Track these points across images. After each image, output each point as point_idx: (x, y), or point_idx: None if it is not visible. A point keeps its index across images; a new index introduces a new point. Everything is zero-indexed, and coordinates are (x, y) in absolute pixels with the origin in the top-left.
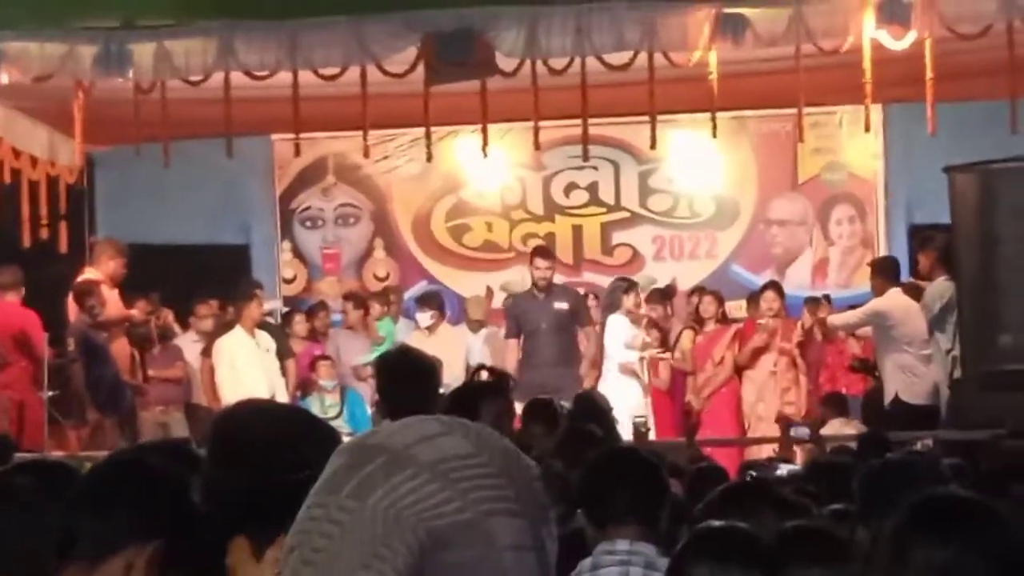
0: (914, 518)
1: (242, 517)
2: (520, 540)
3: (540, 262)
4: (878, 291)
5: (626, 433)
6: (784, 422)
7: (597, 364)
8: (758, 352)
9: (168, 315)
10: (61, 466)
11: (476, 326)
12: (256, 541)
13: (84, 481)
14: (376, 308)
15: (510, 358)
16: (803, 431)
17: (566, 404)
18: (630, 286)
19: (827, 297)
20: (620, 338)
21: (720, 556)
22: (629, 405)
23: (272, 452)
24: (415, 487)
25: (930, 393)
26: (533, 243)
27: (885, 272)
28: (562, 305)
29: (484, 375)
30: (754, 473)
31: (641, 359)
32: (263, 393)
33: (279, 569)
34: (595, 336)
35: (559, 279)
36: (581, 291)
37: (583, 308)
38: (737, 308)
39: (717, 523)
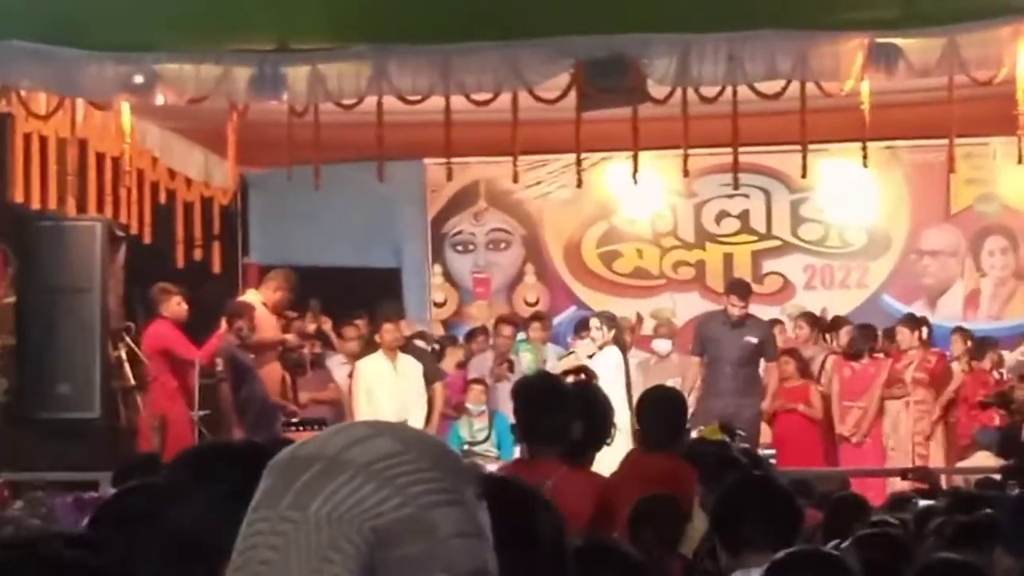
0: None
1: None
2: (463, 528)
3: (736, 300)
4: None
5: None
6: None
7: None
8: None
9: (327, 323)
10: None
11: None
12: None
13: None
14: (537, 331)
15: (691, 375)
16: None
17: (742, 432)
18: None
19: (965, 330)
20: None
21: None
22: None
23: None
24: (353, 489)
25: None
26: (683, 271)
27: None
28: (751, 339)
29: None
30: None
31: None
32: (389, 418)
33: None
34: (775, 369)
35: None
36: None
37: (770, 341)
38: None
39: (949, 556)
